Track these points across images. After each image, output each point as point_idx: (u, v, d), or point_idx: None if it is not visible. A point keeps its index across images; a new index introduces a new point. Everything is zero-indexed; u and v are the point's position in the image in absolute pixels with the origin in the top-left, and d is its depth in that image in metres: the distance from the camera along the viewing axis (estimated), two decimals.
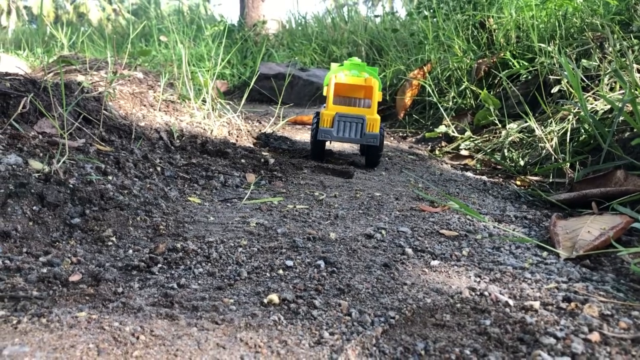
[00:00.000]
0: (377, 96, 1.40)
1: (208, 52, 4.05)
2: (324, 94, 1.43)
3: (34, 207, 0.89)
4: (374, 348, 0.56)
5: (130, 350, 0.55)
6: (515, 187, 1.24)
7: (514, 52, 2.05)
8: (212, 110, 1.74)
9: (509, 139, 1.58)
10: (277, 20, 5.52)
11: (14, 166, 0.97)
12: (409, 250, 0.81)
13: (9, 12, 10.15)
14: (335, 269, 0.74)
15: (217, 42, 4.15)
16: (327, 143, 1.72)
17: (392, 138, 2.18)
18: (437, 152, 1.83)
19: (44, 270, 0.74)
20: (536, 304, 0.65)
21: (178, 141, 1.42)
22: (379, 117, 1.38)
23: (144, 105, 1.59)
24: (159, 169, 1.19)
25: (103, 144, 1.19)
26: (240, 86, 3.90)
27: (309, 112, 2.72)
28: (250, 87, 2.09)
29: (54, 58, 2.95)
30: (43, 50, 3.65)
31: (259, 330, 0.60)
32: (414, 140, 2.13)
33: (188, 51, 2.73)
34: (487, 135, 1.77)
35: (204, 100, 1.82)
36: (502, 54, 2.09)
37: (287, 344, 0.57)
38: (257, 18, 5.41)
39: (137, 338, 0.58)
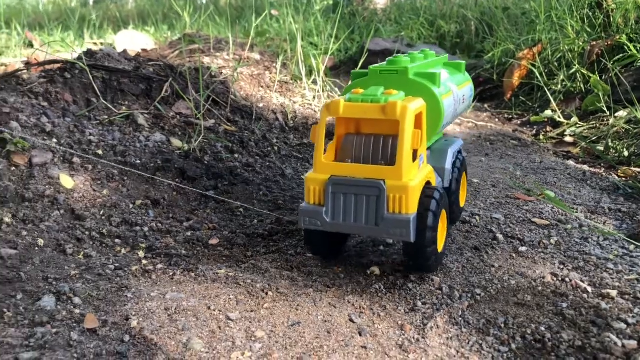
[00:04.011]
0: (417, 137, 0.71)
1: (317, 26, 4.17)
2: (310, 138, 0.80)
3: (177, 180, 1.06)
4: (460, 318, 0.67)
5: (261, 302, 0.70)
6: (616, 178, 1.26)
7: (631, 36, 1.99)
8: (322, 91, 1.86)
9: (614, 128, 1.56)
10: None
11: (159, 143, 1.15)
12: (500, 236, 0.89)
13: None
14: None
15: (325, 17, 4.26)
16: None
17: (497, 119, 2.20)
18: (541, 136, 1.84)
19: (188, 233, 0.91)
20: (613, 293, 0.71)
21: (292, 122, 1.56)
22: (417, 182, 0.71)
23: (262, 87, 1.75)
24: (276, 148, 1.33)
25: (229, 124, 1.36)
26: (346, 61, 3.99)
27: None
28: (360, 65, 2.16)
29: (177, 35, 3.21)
30: (168, 27, 3.95)
31: (363, 295, 0.72)
32: (519, 122, 2.13)
33: (299, 26, 2.86)
34: (594, 122, 1.75)
35: (314, 81, 1.94)
36: (617, 37, 2.02)
37: (386, 309, 0.68)
38: None
39: (266, 293, 0.72)
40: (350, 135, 0.79)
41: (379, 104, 0.71)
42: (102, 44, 3.17)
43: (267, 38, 3.09)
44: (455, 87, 0.88)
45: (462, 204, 0.95)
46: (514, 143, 1.65)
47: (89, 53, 1.34)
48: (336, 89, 1.98)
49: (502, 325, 0.65)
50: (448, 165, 0.85)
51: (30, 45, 3.15)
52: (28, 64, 1.35)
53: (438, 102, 0.79)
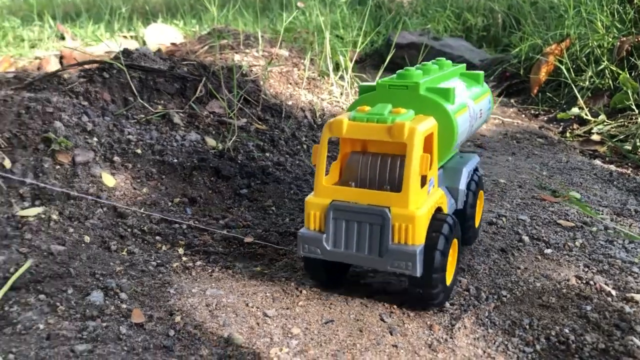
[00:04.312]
0: (426, 162, 0.66)
1: (342, 19, 4.18)
2: (312, 160, 0.77)
3: (212, 179, 1.11)
4: (486, 319, 0.69)
5: (296, 300, 0.73)
6: None
7: None
8: (350, 87, 1.89)
9: None
10: None
11: (194, 143, 1.19)
12: (526, 238, 0.91)
13: None
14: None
15: (351, 9, 4.27)
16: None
17: (523, 115, 2.21)
18: (567, 134, 1.84)
19: (224, 231, 0.95)
20: (638, 297, 0.73)
21: (320, 119, 1.59)
22: (424, 210, 0.67)
23: (290, 84, 1.78)
24: (304, 146, 1.37)
25: (260, 122, 1.40)
26: (371, 54, 3.99)
27: None
28: (388, 59, 2.15)
29: (206, 29, 3.25)
30: (197, 21, 4.00)
31: (392, 295, 0.75)
32: (545, 119, 2.13)
33: (325, 18, 2.88)
34: (622, 121, 1.75)
35: (341, 77, 1.97)
36: None
37: (415, 309, 0.71)
38: None
39: (300, 291, 0.76)
40: (356, 154, 0.74)
41: (385, 124, 0.66)
42: (132, 37, 3.22)
43: (294, 32, 3.11)
44: (471, 102, 0.82)
45: (477, 224, 0.89)
46: (540, 141, 1.66)
47: (126, 52, 1.39)
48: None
49: (527, 327, 0.68)
50: (462, 185, 0.81)
51: (62, 37, 3.22)
52: (60, 62, 1.40)
53: (451, 121, 0.73)
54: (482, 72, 0.90)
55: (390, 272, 0.73)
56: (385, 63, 2.22)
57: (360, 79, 2.12)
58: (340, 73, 1.97)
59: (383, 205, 0.66)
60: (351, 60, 1.94)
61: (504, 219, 0.99)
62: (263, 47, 2.00)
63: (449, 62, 0.89)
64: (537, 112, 2.28)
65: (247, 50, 2.00)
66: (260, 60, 1.83)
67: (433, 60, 0.86)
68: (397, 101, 0.74)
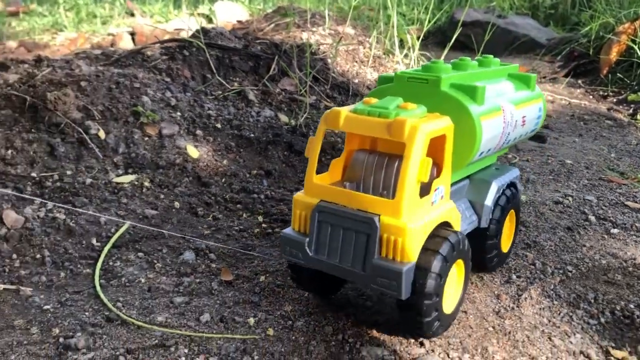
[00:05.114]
0: (425, 167, 0.57)
1: None
2: (305, 154, 0.65)
3: (285, 153, 1.17)
4: (552, 292, 0.73)
5: None
6: None
7: None
8: (416, 65, 1.91)
9: None
10: None
11: (269, 118, 1.26)
12: (592, 218, 0.93)
13: None
14: (524, 227, 0.90)
15: None
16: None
17: (591, 97, 2.16)
18: (638, 116, 1.80)
19: None
20: None
21: None
22: (420, 223, 0.57)
23: (356, 62, 1.82)
24: None
25: (328, 100, 1.45)
26: (434, 32, 3.95)
27: None
28: (455, 37, 2.12)
29: (271, 8, 3.31)
30: None
31: None
32: (614, 100, 2.09)
33: None
34: None
35: (405, 55, 1.99)
36: None
37: (483, 279, 0.76)
38: None
39: None
40: (362, 152, 0.65)
41: (386, 119, 0.57)
42: (199, 14, 3.32)
43: (358, 9, 3.13)
44: (510, 106, 0.70)
45: (506, 249, 0.78)
46: (608, 123, 1.63)
47: (204, 31, 1.46)
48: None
49: (592, 301, 0.71)
50: (488, 201, 0.71)
51: (132, 14, 3.36)
52: (132, 38, 1.48)
53: (473, 124, 0.62)
54: (534, 75, 0.78)
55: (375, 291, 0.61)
56: (452, 41, 2.21)
57: (425, 57, 2.13)
58: (405, 51, 1.99)
59: (373, 213, 0.57)
60: (418, 39, 1.95)
61: (570, 198, 1.01)
62: (329, 25, 2.04)
63: (497, 60, 0.77)
64: (605, 94, 2.23)
65: (314, 29, 2.05)
66: (327, 38, 1.87)
67: (479, 57, 0.77)
68: (416, 96, 0.64)
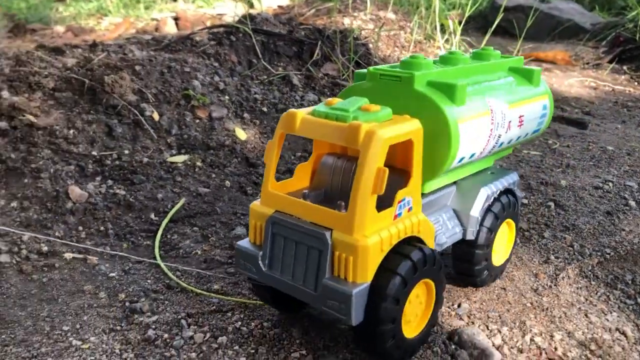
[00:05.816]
0: (381, 178, 0.50)
1: None
2: (264, 159, 0.58)
3: None
4: (589, 272, 0.75)
5: None
6: None
7: None
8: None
9: None
10: None
11: (312, 103, 1.30)
12: (632, 203, 0.94)
13: None
14: (563, 210, 0.92)
15: None
16: None
17: (636, 83, 2.13)
18: None
19: None
20: None
21: None
22: (375, 239, 0.50)
23: (397, 47, 1.84)
24: None
25: None
26: (475, 17, 3.90)
27: (545, 48, 2.72)
28: (496, 23, 2.11)
29: None
30: None
31: None
32: None
33: None
34: None
35: (447, 40, 1.99)
36: None
37: (522, 259, 0.78)
38: None
39: None
40: (330, 156, 0.60)
41: (343, 123, 0.51)
42: (242, 0, 3.36)
43: None
44: (502, 105, 0.62)
45: (499, 263, 0.70)
46: None
47: (250, 17, 1.51)
48: (469, 49, 2.02)
49: (630, 282, 0.73)
50: (475, 211, 0.64)
51: None
52: (176, 23, 1.53)
53: (447, 126, 0.55)
54: (538, 69, 0.70)
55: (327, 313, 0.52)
56: (493, 27, 2.19)
57: (466, 42, 2.12)
58: (446, 36, 2.00)
59: (326, 227, 0.51)
60: (459, 24, 1.95)
61: (610, 184, 1.02)
62: (371, 10, 2.06)
63: (497, 52, 0.70)
64: None
65: (355, 14, 2.07)
66: (368, 23, 1.89)
67: (478, 49, 0.69)
68: (390, 96, 0.58)
